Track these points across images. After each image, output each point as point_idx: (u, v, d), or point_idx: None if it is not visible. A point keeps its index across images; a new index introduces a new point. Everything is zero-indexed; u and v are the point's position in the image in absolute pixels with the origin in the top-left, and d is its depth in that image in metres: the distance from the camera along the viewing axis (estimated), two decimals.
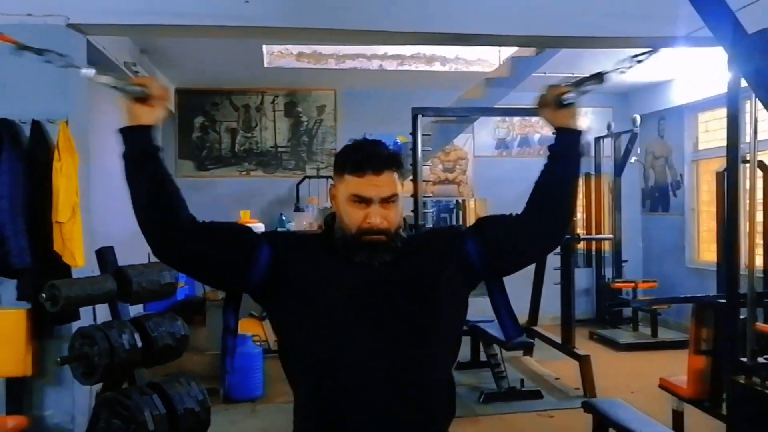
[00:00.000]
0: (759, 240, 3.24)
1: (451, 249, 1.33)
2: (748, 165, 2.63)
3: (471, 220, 5.61)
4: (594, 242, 6.93)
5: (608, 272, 6.79)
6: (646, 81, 6.56)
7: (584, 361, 4.39)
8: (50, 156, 2.96)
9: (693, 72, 6.08)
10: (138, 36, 4.47)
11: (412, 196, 4.68)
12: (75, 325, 2.86)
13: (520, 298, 5.49)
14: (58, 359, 2.55)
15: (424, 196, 5.14)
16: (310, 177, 6.56)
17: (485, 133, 7.11)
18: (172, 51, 5.12)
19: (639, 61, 1.29)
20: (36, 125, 3.01)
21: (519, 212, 1.37)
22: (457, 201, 7.05)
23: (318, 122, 6.90)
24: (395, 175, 1.28)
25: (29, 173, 2.94)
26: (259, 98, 6.81)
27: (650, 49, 1.39)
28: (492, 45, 4.62)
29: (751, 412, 2.35)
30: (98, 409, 2.52)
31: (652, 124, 6.96)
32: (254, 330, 5.05)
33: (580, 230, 6.64)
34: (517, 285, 5.68)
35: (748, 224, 2.62)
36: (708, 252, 6.35)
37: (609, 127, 6.74)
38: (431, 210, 6.53)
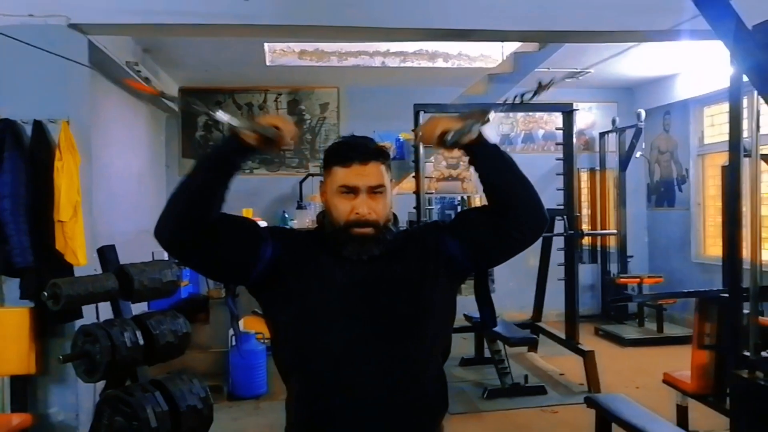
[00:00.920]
0: (764, 234, 3.22)
1: (434, 246, 1.34)
2: (750, 159, 2.61)
3: None
4: (599, 237, 6.90)
5: (613, 268, 6.76)
6: (651, 75, 6.52)
7: (589, 357, 4.37)
8: (52, 155, 2.97)
9: (698, 66, 6.04)
10: (140, 35, 4.48)
11: (414, 192, 4.68)
12: (78, 323, 2.87)
13: (525, 293, 5.52)
14: (61, 357, 2.56)
15: (427, 193, 5.12)
16: (313, 175, 6.56)
17: (489, 129, 7.02)
18: (175, 50, 5.13)
19: (523, 101, 1.28)
20: (37, 125, 3.02)
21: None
22: (462, 197, 7.04)
23: (321, 120, 6.91)
24: (382, 167, 1.29)
25: (31, 173, 2.95)
26: (262, 96, 6.82)
27: (536, 89, 1.37)
28: (494, 40, 4.60)
29: (754, 406, 2.33)
30: (101, 406, 2.53)
31: (657, 118, 6.92)
32: (258, 328, 5.07)
33: (585, 226, 6.62)
34: (522, 281, 5.69)
35: (751, 218, 2.60)
36: (714, 247, 6.31)
37: (614, 122, 6.71)
38: (435, 207, 6.52)
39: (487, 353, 4.76)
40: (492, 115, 1.32)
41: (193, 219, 1.24)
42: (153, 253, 4.49)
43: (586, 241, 6.61)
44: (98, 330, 2.54)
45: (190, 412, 2.63)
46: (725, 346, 2.81)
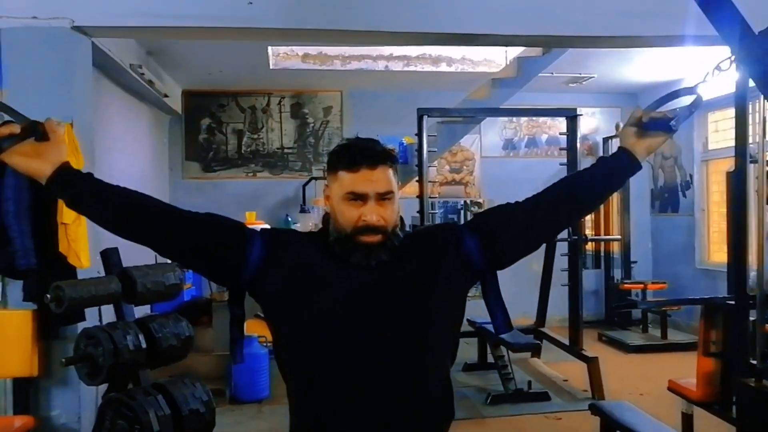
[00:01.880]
0: None
1: (449, 246, 1.30)
2: (756, 165, 2.60)
3: None
4: (603, 243, 6.88)
5: (617, 273, 6.74)
6: (655, 80, 6.51)
7: (592, 363, 4.35)
8: None
9: (702, 71, 6.02)
10: (143, 38, 4.48)
11: (417, 197, 4.67)
12: (81, 326, 2.86)
13: (528, 299, 5.50)
14: (63, 360, 2.55)
15: (431, 197, 5.12)
16: (316, 178, 6.56)
17: (492, 133, 7.08)
18: (178, 53, 5.14)
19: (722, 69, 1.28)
20: None
21: (521, 200, 1.36)
22: (465, 202, 7.03)
23: (324, 123, 6.91)
24: (390, 171, 1.24)
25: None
26: (265, 100, 6.83)
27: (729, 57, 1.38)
28: (498, 45, 4.60)
29: (760, 414, 2.31)
30: (103, 409, 2.52)
31: None
32: (260, 331, 5.05)
33: (588, 231, 6.61)
34: (525, 286, 5.67)
35: (757, 224, 2.59)
36: (719, 253, 6.28)
37: (617, 127, 6.68)
38: (438, 211, 6.52)
39: (490, 359, 4.74)
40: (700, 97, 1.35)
41: (117, 227, 1.26)
42: (156, 256, 4.49)
43: (589, 246, 6.59)
44: (101, 333, 2.53)
45: (193, 416, 2.62)
46: (731, 354, 2.79)
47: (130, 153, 5.31)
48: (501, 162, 7.05)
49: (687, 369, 3.51)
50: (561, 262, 5.04)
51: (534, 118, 7.06)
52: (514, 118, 7.06)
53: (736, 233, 2.47)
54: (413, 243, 1.31)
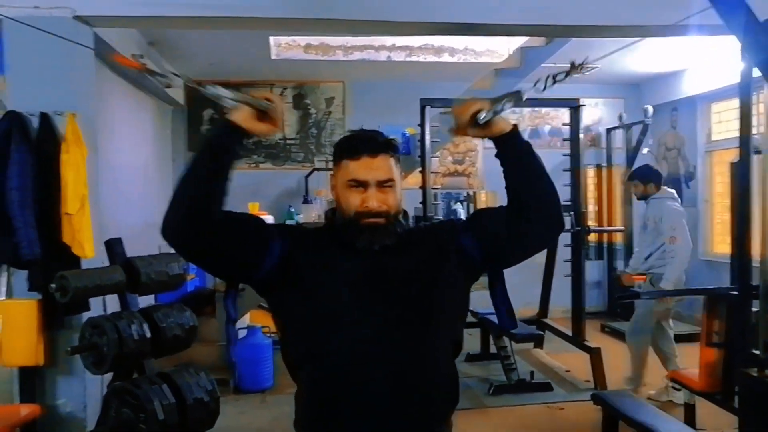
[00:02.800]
0: None
1: (450, 243, 1.33)
2: (760, 155, 2.58)
3: None
4: (605, 234, 6.87)
5: (620, 264, 6.73)
6: (659, 71, 6.48)
7: (595, 354, 4.36)
8: (58, 148, 2.97)
9: (706, 61, 5.99)
10: (145, 28, 4.47)
11: (420, 188, 4.66)
12: (85, 316, 2.88)
13: (530, 290, 5.49)
14: (68, 349, 2.57)
15: (433, 188, 5.11)
16: (318, 169, 6.56)
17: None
18: (180, 43, 5.13)
19: (555, 81, 1.27)
20: (44, 117, 3.02)
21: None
22: (467, 193, 7.02)
23: (327, 114, 6.90)
24: (391, 160, 1.28)
25: (38, 165, 2.95)
26: (267, 90, 6.80)
27: (568, 69, 1.36)
28: (501, 35, 4.57)
29: (762, 404, 2.32)
30: (108, 398, 2.54)
31: (665, 114, 6.88)
32: (264, 322, 5.08)
33: (591, 222, 6.60)
34: (527, 277, 5.68)
35: (761, 215, 2.58)
36: (722, 244, 6.28)
37: (620, 118, 6.67)
38: (441, 202, 6.51)
39: (493, 349, 4.75)
40: (525, 95, 1.30)
41: (196, 215, 1.21)
42: (160, 246, 4.50)
43: (592, 237, 6.58)
44: (106, 322, 2.55)
45: (197, 405, 2.64)
46: (734, 344, 2.79)
47: (133, 144, 5.32)
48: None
49: (689, 359, 3.52)
50: (564, 252, 5.04)
51: (537, 109, 7.03)
52: (517, 109, 7.02)
53: (739, 224, 2.46)
54: (417, 236, 1.34)
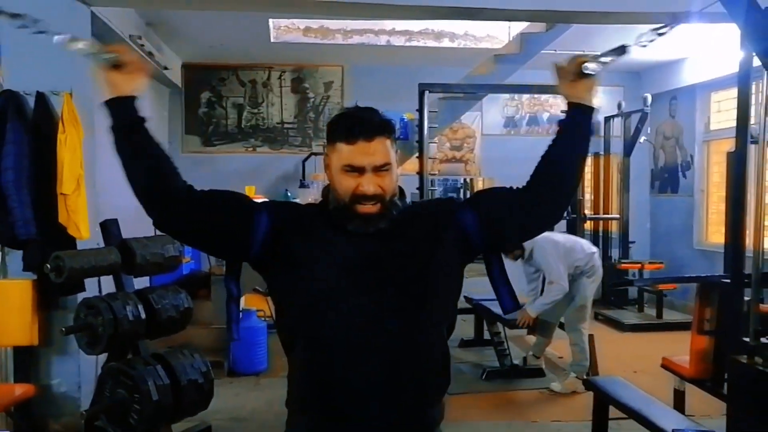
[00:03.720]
0: (767, 221, 3.21)
1: (448, 221, 1.31)
2: (757, 145, 2.58)
3: None
4: (601, 222, 6.89)
5: (615, 253, 6.76)
6: (658, 60, 6.45)
7: (588, 341, 4.38)
8: (55, 128, 2.96)
9: (706, 50, 5.97)
10: (142, 7, 4.43)
11: (417, 173, 4.66)
12: (80, 297, 2.88)
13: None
14: (63, 329, 2.57)
15: (430, 174, 5.10)
16: (316, 154, 6.54)
17: (494, 111, 7.04)
18: (179, 24, 5.08)
19: (660, 34, 1.24)
20: (40, 97, 3.00)
21: (520, 186, 1.35)
22: (464, 180, 7.02)
23: (325, 98, 6.86)
24: (388, 142, 1.25)
25: (34, 145, 2.94)
26: (266, 74, 6.78)
27: (670, 23, 1.34)
28: (501, 19, 4.54)
29: (751, 391, 2.34)
30: (103, 378, 2.55)
31: (663, 103, 6.86)
32: (258, 305, 5.09)
33: (587, 210, 6.61)
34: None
35: (755, 205, 2.59)
36: (716, 234, 6.29)
37: (619, 106, 6.65)
38: (438, 188, 6.51)
39: (486, 335, 4.78)
40: (630, 49, 1.28)
41: (153, 197, 1.24)
42: (155, 229, 4.50)
43: (588, 225, 6.59)
44: (101, 303, 2.55)
45: (191, 386, 2.66)
46: (725, 332, 2.82)
47: None
48: (502, 140, 7.02)
49: (681, 348, 3.54)
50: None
51: (536, 96, 7.01)
52: (516, 96, 7.02)
53: (734, 213, 2.47)
54: (413, 215, 1.32)
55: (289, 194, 6.30)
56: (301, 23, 5.48)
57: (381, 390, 1.22)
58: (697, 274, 5.82)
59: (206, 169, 6.53)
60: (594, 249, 4.23)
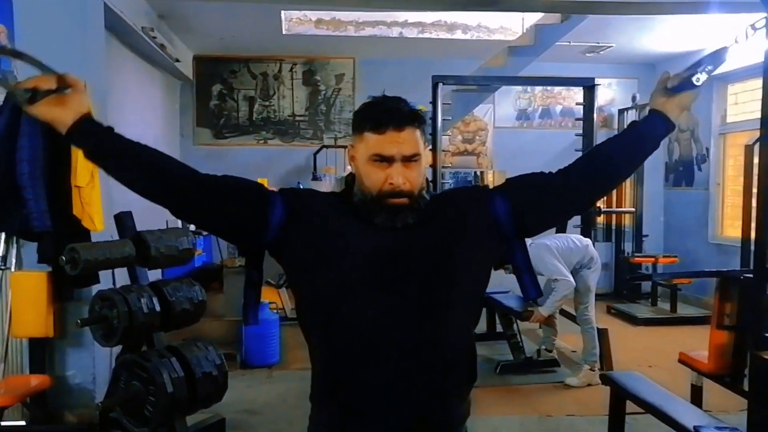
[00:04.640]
0: None
1: (478, 210, 1.28)
2: None
3: None
4: (614, 216, 6.83)
5: (628, 247, 6.70)
6: (675, 51, 6.36)
7: (601, 335, 4.34)
8: None
9: (723, 41, 5.87)
10: (156, 0, 4.42)
11: (431, 166, 4.62)
12: (95, 289, 2.89)
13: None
14: (79, 321, 2.57)
15: (443, 167, 5.07)
16: (327, 146, 6.52)
17: (506, 103, 6.98)
18: (191, 17, 5.07)
19: (756, 29, 1.24)
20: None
21: (554, 171, 1.33)
22: (475, 173, 6.98)
23: (336, 91, 6.83)
24: (417, 133, 1.22)
25: (48, 137, 2.93)
26: (277, 66, 6.75)
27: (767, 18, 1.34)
28: (517, 10, 4.50)
29: None
30: (118, 370, 2.55)
31: None
32: (271, 298, 5.10)
33: (600, 203, 6.55)
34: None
35: None
36: (732, 228, 6.22)
37: (634, 98, 6.57)
38: (449, 181, 6.47)
39: (499, 328, 4.75)
40: (727, 53, 1.31)
41: (150, 190, 1.22)
42: (167, 221, 4.51)
43: (601, 218, 6.54)
44: (116, 295, 2.55)
45: (206, 379, 2.65)
46: (746, 327, 2.77)
47: (143, 118, 5.29)
48: (514, 133, 6.96)
49: (696, 342, 3.51)
50: (573, 233, 5.01)
51: (549, 88, 6.94)
52: (529, 88, 6.95)
53: (759, 206, 2.41)
54: (441, 204, 1.29)
55: (301, 187, 6.29)
56: (313, 15, 5.45)
57: (405, 388, 1.19)
58: (711, 268, 5.75)
59: (218, 162, 6.54)
60: (587, 241, 4.19)
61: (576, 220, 4.98)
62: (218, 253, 6.08)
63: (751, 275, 2.54)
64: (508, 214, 1.27)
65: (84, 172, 2.93)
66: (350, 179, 1.30)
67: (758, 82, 6.19)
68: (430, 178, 4.37)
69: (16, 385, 2.87)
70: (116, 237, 2.88)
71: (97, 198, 2.98)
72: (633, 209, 6.63)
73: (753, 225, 4.61)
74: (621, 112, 6.90)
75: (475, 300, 1.31)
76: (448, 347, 1.23)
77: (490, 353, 4.68)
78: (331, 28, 5.60)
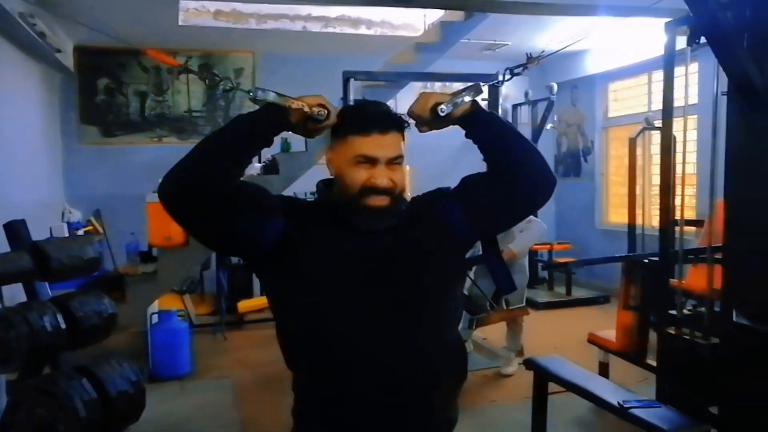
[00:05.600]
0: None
1: (440, 215, 1.30)
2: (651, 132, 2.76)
3: None
4: None
5: None
6: (566, 50, 6.76)
7: (512, 321, 4.54)
8: None
9: (605, 43, 6.35)
10: None
11: None
12: None
13: None
14: None
15: None
16: None
17: (409, 100, 7.03)
18: (75, 3, 4.62)
19: (513, 74, 1.31)
20: None
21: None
22: None
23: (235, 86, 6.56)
24: (400, 138, 1.26)
25: None
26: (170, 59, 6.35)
27: (526, 62, 1.42)
28: (416, 6, 4.55)
29: (680, 360, 2.52)
30: (16, 399, 2.27)
31: (566, 92, 7.23)
32: (175, 304, 4.82)
33: None
34: None
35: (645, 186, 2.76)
36: (615, 215, 6.77)
37: (527, 94, 6.92)
38: None
39: None
40: (485, 88, 1.31)
41: (207, 179, 1.17)
42: (51, 228, 4.09)
43: None
44: (14, 314, 2.27)
45: (122, 398, 2.43)
46: (649, 307, 3.01)
47: (17, 114, 4.75)
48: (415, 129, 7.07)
49: (592, 322, 3.77)
50: None
51: (447, 84, 7.12)
52: (428, 84, 7.09)
53: (663, 194, 2.62)
54: (415, 210, 1.30)
55: None
56: (212, 5, 5.18)
57: (392, 391, 1.17)
58: (600, 252, 6.23)
59: (108, 161, 6.05)
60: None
61: None
62: (112, 262, 5.64)
63: (656, 259, 2.77)
64: (463, 217, 1.28)
65: None
66: (322, 185, 1.29)
67: (635, 81, 6.74)
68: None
69: None
70: (8, 249, 2.56)
71: None
72: None
73: (639, 212, 5.03)
74: (515, 107, 7.24)
75: (454, 300, 1.32)
76: (428, 348, 1.22)
77: None
78: (231, 20, 5.36)
